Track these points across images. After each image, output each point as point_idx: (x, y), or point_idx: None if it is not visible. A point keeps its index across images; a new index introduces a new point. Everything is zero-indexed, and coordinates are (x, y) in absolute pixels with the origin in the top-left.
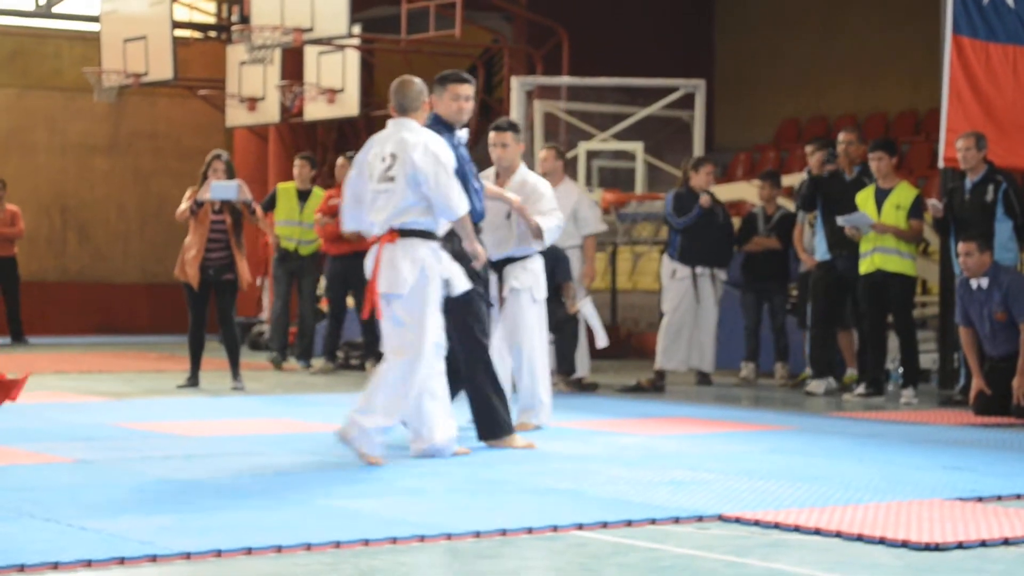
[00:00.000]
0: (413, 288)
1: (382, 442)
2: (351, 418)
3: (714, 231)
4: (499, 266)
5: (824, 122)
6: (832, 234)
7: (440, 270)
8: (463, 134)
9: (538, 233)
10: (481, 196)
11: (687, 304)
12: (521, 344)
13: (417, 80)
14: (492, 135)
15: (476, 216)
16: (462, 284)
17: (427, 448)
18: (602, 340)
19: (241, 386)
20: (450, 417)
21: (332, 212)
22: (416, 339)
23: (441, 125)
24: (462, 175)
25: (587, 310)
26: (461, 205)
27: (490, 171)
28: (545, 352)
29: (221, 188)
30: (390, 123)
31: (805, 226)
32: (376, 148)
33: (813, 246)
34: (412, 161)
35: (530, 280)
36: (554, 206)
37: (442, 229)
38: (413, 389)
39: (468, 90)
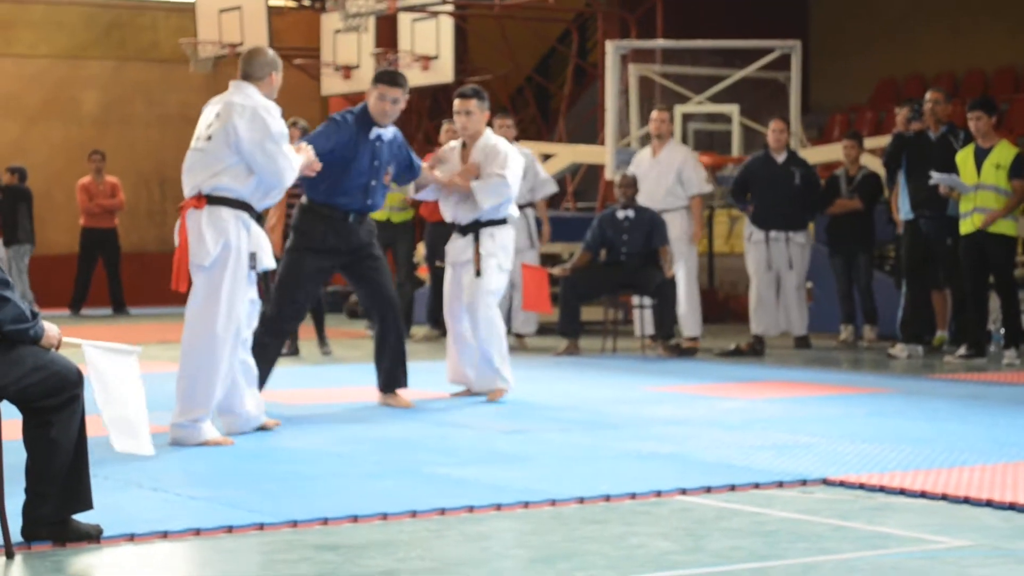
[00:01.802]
0: (215, 260)
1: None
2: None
3: (787, 194)
4: (467, 229)
5: (921, 80)
6: (916, 193)
7: (247, 243)
8: (386, 132)
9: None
10: (383, 194)
11: (763, 268)
12: (477, 312)
13: (269, 51)
14: (456, 102)
15: (370, 210)
16: (268, 260)
17: (239, 422)
18: (683, 306)
19: (328, 350)
20: (257, 389)
21: None
22: (212, 313)
23: (365, 119)
24: (369, 171)
25: (680, 274)
26: (288, 175)
27: (453, 143)
28: (501, 322)
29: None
30: (230, 84)
31: (900, 187)
32: (208, 109)
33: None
34: (235, 127)
35: (495, 248)
36: (504, 167)
37: (256, 199)
38: (222, 366)
39: (396, 93)
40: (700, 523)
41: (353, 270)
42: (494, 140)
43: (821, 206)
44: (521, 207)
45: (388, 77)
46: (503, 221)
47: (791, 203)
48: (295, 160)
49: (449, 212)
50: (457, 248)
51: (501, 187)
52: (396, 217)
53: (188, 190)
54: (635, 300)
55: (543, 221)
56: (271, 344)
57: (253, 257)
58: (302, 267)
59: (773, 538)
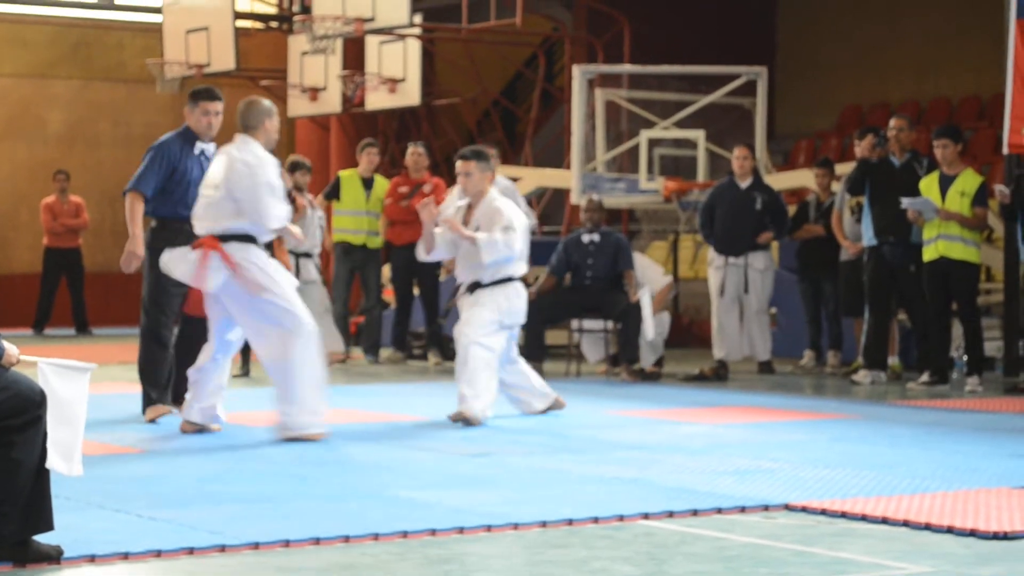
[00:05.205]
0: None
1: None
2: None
3: (747, 220)
4: (472, 288)
5: (886, 108)
6: (880, 219)
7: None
8: (210, 147)
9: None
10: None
11: (721, 293)
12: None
13: (264, 101)
14: (458, 164)
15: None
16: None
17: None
18: (650, 332)
19: None
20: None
21: (399, 198)
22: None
23: (188, 136)
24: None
25: (644, 300)
26: (273, 216)
27: (456, 198)
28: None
29: None
30: (236, 137)
31: (844, 212)
32: (217, 157)
33: (856, 232)
34: (226, 172)
35: (493, 301)
36: (505, 224)
37: (263, 236)
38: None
39: (217, 107)
40: (662, 547)
41: None
42: (498, 202)
43: (789, 231)
44: None
45: (207, 93)
46: (508, 280)
47: (751, 229)
48: (274, 207)
49: (463, 272)
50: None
51: (505, 249)
52: (372, 242)
53: (200, 231)
54: (574, 324)
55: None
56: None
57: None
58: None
59: (735, 563)
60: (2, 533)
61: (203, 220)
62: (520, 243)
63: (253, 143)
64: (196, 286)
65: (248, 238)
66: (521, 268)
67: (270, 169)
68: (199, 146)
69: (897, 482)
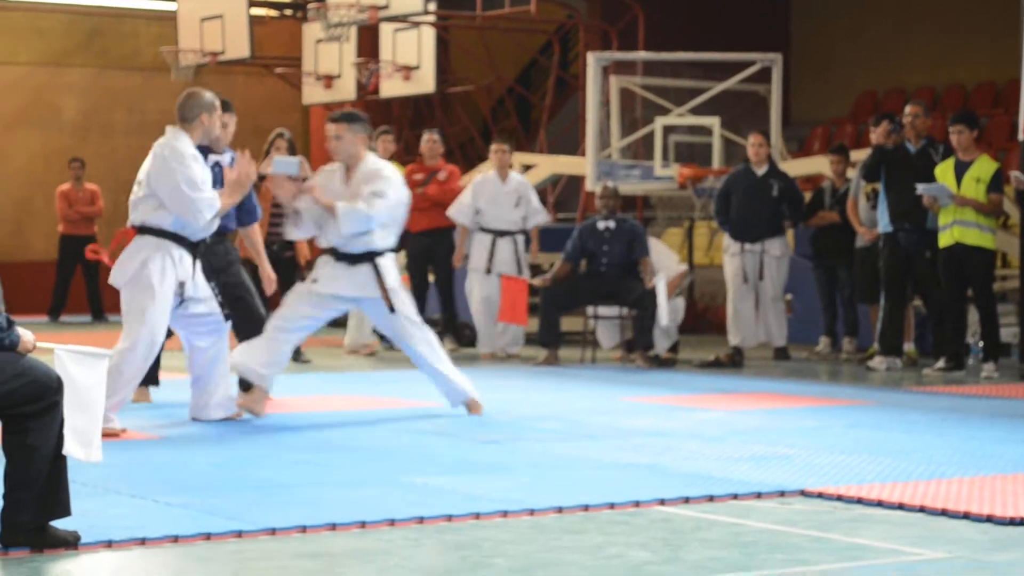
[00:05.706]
0: (131, 281)
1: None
2: None
3: (764, 206)
4: (359, 259)
5: (902, 95)
6: (896, 205)
7: (174, 268)
8: (223, 157)
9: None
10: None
11: (739, 279)
12: (415, 343)
13: (205, 94)
14: (328, 126)
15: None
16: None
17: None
18: (664, 319)
19: (306, 359)
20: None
21: (413, 185)
22: (132, 330)
23: (201, 149)
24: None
25: (660, 286)
26: (201, 209)
27: (333, 165)
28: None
29: (283, 163)
30: (167, 129)
31: (860, 198)
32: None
33: (872, 218)
34: (149, 168)
35: (395, 280)
36: (377, 190)
37: (190, 231)
38: (131, 377)
39: (224, 118)
40: (678, 533)
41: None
42: (377, 165)
43: (805, 218)
44: (511, 233)
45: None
46: (391, 250)
47: (767, 215)
48: (196, 204)
49: (333, 240)
50: (357, 282)
51: (364, 219)
52: None
53: (129, 222)
54: (589, 311)
55: (532, 239)
56: None
57: (182, 286)
58: None
59: (751, 549)
60: (19, 519)
61: (132, 212)
62: (385, 212)
63: (182, 136)
64: (112, 281)
65: (166, 234)
66: (387, 239)
67: (190, 163)
68: (212, 158)
69: (913, 468)
